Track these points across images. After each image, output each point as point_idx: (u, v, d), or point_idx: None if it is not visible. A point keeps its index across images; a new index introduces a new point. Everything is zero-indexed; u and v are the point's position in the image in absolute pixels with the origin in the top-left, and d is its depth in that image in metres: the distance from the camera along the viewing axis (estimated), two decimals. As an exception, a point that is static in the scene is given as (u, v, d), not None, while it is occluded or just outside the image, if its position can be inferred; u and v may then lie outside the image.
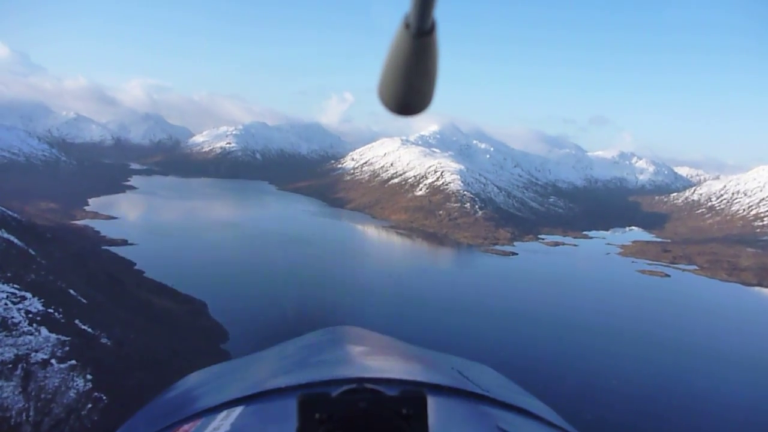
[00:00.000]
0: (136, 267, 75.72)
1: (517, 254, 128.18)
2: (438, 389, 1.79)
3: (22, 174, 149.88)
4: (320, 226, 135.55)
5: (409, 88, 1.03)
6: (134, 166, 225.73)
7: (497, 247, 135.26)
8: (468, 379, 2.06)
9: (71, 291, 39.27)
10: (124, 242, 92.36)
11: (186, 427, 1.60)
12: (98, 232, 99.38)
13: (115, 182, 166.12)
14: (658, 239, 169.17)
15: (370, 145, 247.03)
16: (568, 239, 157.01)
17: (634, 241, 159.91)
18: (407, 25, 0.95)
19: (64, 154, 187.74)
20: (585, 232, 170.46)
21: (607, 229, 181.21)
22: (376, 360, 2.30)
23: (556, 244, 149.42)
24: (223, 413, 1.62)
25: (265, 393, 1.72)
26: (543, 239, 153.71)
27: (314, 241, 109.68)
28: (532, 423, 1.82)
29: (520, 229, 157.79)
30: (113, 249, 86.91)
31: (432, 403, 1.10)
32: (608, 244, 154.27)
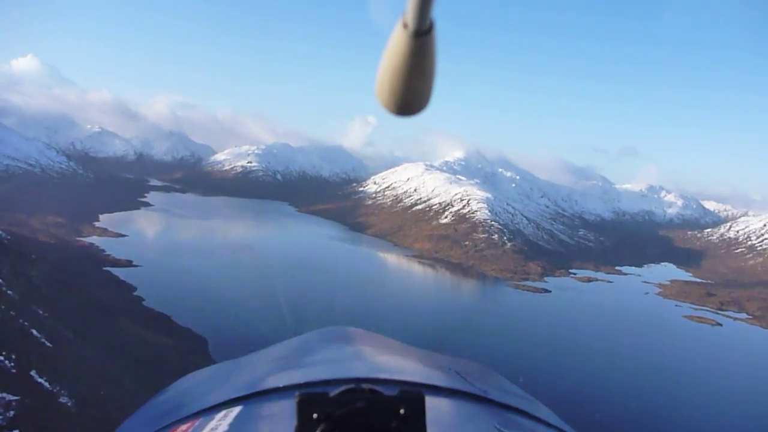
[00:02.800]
0: (135, 293, 68.76)
1: (549, 291, 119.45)
2: (436, 390, 1.78)
3: (36, 186, 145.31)
4: (340, 252, 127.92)
5: (407, 88, 1.02)
6: (153, 182, 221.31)
7: (528, 283, 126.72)
8: (466, 379, 2.03)
9: (33, 331, 32.28)
10: (128, 263, 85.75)
11: (184, 427, 1.60)
12: (103, 250, 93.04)
13: (130, 198, 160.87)
14: (698, 279, 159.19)
15: (393, 170, 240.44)
16: (600, 275, 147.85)
17: (672, 281, 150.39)
18: (405, 25, 0.94)
19: (81, 168, 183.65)
20: (618, 268, 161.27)
21: (640, 265, 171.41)
22: (375, 360, 2.29)
23: (589, 279, 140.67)
24: (221, 413, 1.60)
25: (263, 393, 1.71)
26: (575, 274, 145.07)
27: (334, 270, 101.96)
28: (531, 424, 1.81)
29: (551, 263, 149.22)
30: (115, 270, 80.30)
31: (430, 403, 1.10)
32: (645, 282, 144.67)
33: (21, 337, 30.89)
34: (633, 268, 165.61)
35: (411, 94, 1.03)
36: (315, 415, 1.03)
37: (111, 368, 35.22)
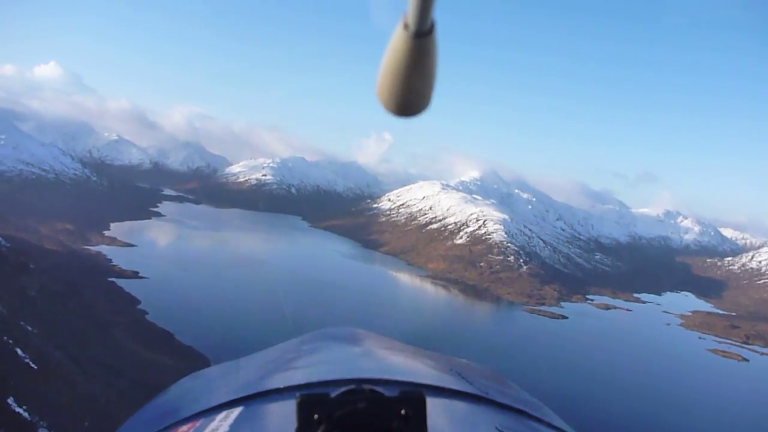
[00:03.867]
0: (139, 306, 66.04)
1: (566, 317, 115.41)
2: (437, 390, 1.78)
3: (48, 191, 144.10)
4: (352, 271, 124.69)
5: (408, 89, 1.01)
6: (167, 191, 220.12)
7: (544, 308, 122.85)
8: (467, 380, 2.04)
9: (18, 351, 29.57)
10: (134, 275, 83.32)
11: (184, 428, 1.60)
12: (110, 260, 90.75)
13: (142, 207, 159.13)
14: (720, 311, 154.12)
15: (408, 187, 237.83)
16: (619, 302, 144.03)
17: (694, 311, 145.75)
18: (406, 26, 0.94)
19: (95, 175, 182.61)
20: (636, 295, 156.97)
21: (658, 293, 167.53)
22: (375, 361, 2.31)
23: (607, 307, 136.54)
24: (222, 414, 1.60)
25: (264, 393, 1.71)
26: (592, 300, 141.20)
27: (346, 289, 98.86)
28: (532, 424, 1.81)
29: (567, 288, 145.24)
30: (120, 282, 77.86)
31: (431, 404, 1.10)
32: (665, 312, 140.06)
33: (3, 357, 28.21)
34: (652, 295, 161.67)
35: (411, 95, 1.03)
36: (316, 416, 1.03)
37: (100, 393, 32.34)
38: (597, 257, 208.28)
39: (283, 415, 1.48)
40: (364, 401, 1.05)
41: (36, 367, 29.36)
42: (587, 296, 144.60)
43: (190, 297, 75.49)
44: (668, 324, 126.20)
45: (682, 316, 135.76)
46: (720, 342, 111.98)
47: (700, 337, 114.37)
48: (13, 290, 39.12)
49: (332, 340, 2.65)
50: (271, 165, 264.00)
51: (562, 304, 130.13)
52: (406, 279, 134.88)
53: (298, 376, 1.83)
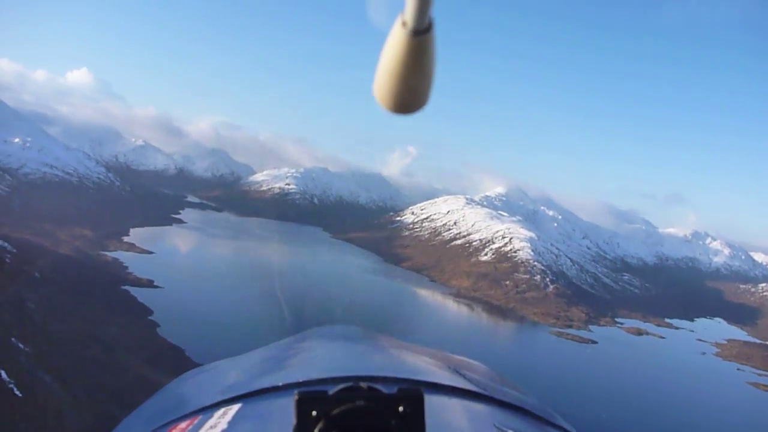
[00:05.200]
0: (151, 317, 63.04)
1: (596, 342, 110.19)
2: (435, 387, 1.79)
3: (70, 195, 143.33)
4: (374, 287, 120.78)
5: (406, 87, 1.01)
6: (191, 198, 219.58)
7: (572, 331, 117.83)
8: (465, 377, 2.05)
9: (2, 374, 26.44)
10: (149, 283, 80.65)
11: (183, 425, 1.60)
12: (126, 267, 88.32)
13: (164, 214, 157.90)
14: (756, 340, 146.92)
15: (432, 201, 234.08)
16: (650, 326, 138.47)
17: (729, 340, 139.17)
18: (404, 23, 0.94)
19: (119, 179, 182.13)
20: (667, 320, 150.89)
21: (690, 318, 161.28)
22: (373, 358, 2.32)
23: (639, 332, 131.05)
24: (220, 411, 1.61)
25: (262, 391, 1.71)
26: (622, 324, 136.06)
27: (367, 306, 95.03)
28: (530, 421, 1.81)
29: (595, 310, 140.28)
30: (134, 290, 75.14)
31: (429, 401, 1.10)
32: (699, 339, 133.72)
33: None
34: (684, 321, 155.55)
35: (409, 93, 1.03)
36: (314, 413, 1.03)
37: (90, 426, 28.94)
38: (625, 278, 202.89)
39: (282, 412, 1.48)
40: (362, 399, 1.05)
41: (20, 394, 26.20)
42: (616, 319, 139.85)
43: (205, 309, 72.48)
44: (704, 353, 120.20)
45: (717, 345, 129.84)
46: (760, 374, 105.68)
47: (738, 369, 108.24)
48: (10, 302, 36.21)
49: (330, 338, 2.66)
50: (294, 175, 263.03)
51: (591, 327, 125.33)
52: (429, 296, 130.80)
53: (296, 373, 1.84)
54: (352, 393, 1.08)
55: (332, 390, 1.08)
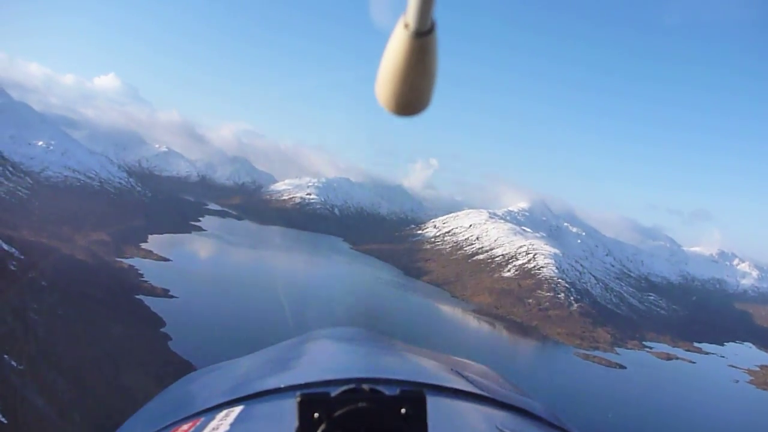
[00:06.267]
0: (163, 329, 60.47)
1: (625, 367, 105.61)
2: (437, 389, 1.79)
3: (91, 199, 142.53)
4: (394, 301, 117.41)
5: (408, 89, 1.01)
6: (211, 206, 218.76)
7: (598, 353, 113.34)
8: (467, 379, 2.05)
9: (-12, 398, 23.93)
10: (164, 293, 78.47)
11: (185, 426, 1.60)
12: (141, 275, 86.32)
13: (184, 220, 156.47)
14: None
15: (454, 214, 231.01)
16: (679, 351, 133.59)
17: (761, 366, 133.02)
18: (406, 25, 0.93)
19: (140, 185, 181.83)
20: (696, 344, 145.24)
21: (719, 342, 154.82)
22: (376, 360, 2.34)
23: (668, 357, 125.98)
24: (223, 413, 1.61)
25: (265, 393, 1.72)
26: (650, 348, 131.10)
27: (387, 321, 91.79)
28: (532, 423, 1.81)
29: (621, 331, 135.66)
30: (148, 300, 72.86)
31: (431, 403, 1.10)
32: (731, 366, 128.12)
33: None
34: (713, 346, 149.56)
35: (411, 95, 1.03)
36: (316, 415, 1.03)
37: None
38: (651, 298, 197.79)
39: (284, 414, 1.49)
40: (364, 401, 1.05)
41: (4, 421, 23.51)
42: (644, 343, 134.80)
43: (221, 322, 69.69)
44: (737, 381, 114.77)
45: (750, 372, 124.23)
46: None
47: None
48: (11, 312, 33.70)
49: (332, 340, 2.66)
50: (315, 184, 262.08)
51: (617, 349, 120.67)
52: (450, 312, 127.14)
53: (298, 375, 1.84)
54: (355, 395, 1.08)
55: (335, 392, 1.08)
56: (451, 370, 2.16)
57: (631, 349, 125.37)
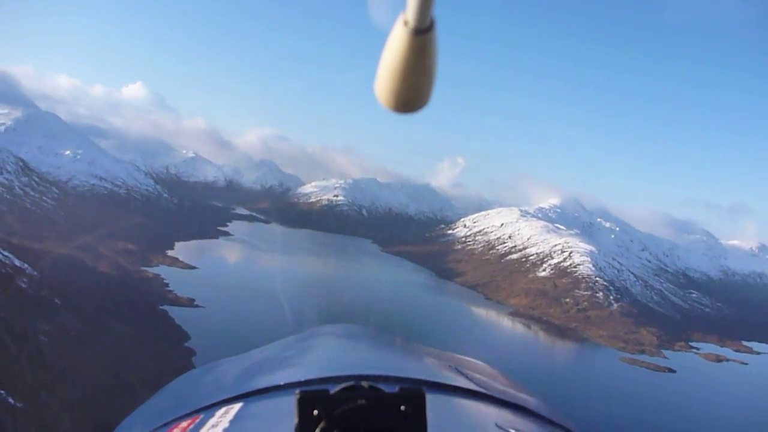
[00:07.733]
0: (187, 344, 57.25)
1: (674, 371, 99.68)
2: (437, 387, 1.80)
3: (117, 207, 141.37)
4: (428, 305, 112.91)
5: (408, 86, 1.02)
6: (239, 210, 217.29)
7: (644, 358, 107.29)
8: (467, 376, 2.05)
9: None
10: (189, 302, 75.64)
11: (185, 423, 1.61)
12: (167, 284, 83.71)
13: (211, 226, 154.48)
14: None
15: (485, 213, 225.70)
16: (728, 351, 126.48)
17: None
18: (406, 22, 0.94)
19: (167, 192, 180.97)
20: (746, 343, 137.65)
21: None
22: (375, 357, 2.34)
23: (718, 358, 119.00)
24: (222, 410, 1.62)
25: (264, 390, 1.72)
26: (698, 349, 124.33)
27: (421, 328, 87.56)
28: (532, 420, 1.81)
29: (666, 332, 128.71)
30: (173, 311, 69.99)
31: (431, 400, 1.10)
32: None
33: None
34: (763, 345, 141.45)
35: (411, 92, 1.03)
36: (315, 413, 1.03)
37: None
38: (693, 296, 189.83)
39: (283, 411, 1.48)
40: (363, 398, 1.06)
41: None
42: (690, 344, 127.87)
43: (247, 333, 66.21)
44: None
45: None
46: None
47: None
48: (18, 336, 30.45)
49: (332, 337, 2.65)
50: (342, 186, 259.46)
51: (664, 352, 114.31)
52: (485, 315, 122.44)
53: (297, 372, 1.85)
54: (354, 392, 1.09)
55: (334, 389, 1.09)
56: (451, 367, 2.15)
57: (678, 351, 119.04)
